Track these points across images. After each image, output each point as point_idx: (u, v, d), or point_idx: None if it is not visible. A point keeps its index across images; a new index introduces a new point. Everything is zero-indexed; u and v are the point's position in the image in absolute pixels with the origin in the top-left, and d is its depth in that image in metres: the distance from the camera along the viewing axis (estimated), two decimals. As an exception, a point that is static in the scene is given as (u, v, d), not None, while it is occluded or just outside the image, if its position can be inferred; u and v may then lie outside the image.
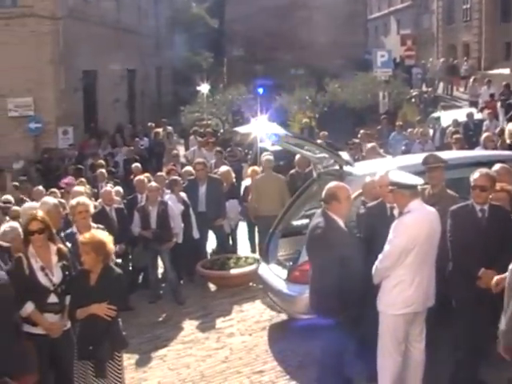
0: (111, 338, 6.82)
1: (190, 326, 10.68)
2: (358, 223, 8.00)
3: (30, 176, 21.40)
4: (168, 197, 12.30)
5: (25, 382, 6.64)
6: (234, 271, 12.22)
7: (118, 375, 6.94)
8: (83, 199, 9.20)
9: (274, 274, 9.84)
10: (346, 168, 9.66)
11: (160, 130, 25.92)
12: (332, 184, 7.54)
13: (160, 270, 12.47)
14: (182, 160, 19.64)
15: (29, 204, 9.48)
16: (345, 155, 10.47)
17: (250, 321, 10.51)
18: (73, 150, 24.53)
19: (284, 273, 9.53)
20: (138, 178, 12.96)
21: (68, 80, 26.34)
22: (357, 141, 17.73)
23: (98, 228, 8.49)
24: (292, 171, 13.87)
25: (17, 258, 7.05)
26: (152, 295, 11.91)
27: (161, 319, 11.18)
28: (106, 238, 6.96)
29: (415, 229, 6.65)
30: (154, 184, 12.06)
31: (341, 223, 7.30)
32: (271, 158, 13.14)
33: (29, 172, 22.28)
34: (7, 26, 25.26)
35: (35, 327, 6.99)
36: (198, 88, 34.04)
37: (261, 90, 29.31)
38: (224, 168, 14.08)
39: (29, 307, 6.89)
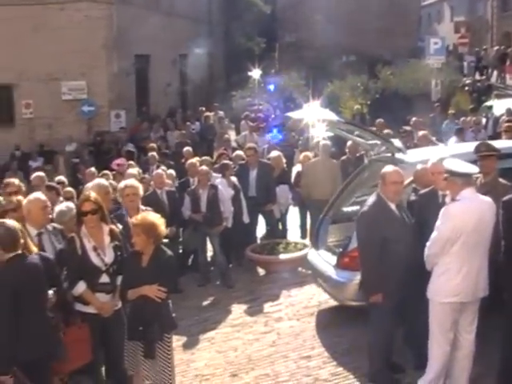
0: (161, 320, 6.87)
1: (238, 309, 10.75)
2: (410, 210, 7.95)
3: (82, 158, 21.72)
4: (219, 181, 12.35)
5: (59, 368, 6.80)
6: (283, 256, 12.25)
7: (167, 356, 7.00)
8: (131, 182, 9.25)
9: (324, 260, 9.82)
10: (398, 155, 9.59)
11: (211, 114, 26.03)
12: (388, 167, 7.61)
13: (209, 254, 12.58)
14: (233, 144, 19.70)
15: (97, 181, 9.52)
16: (397, 142, 10.38)
17: (298, 306, 10.51)
18: (124, 133, 24.83)
19: (333, 259, 9.50)
20: (189, 161, 13.03)
21: (121, 64, 26.55)
22: (408, 128, 17.58)
23: (146, 210, 8.55)
24: (343, 157, 13.84)
25: (70, 237, 7.17)
26: (201, 278, 12.00)
27: (209, 302, 11.28)
28: (158, 220, 6.98)
29: (461, 218, 6.53)
30: (204, 168, 12.12)
31: (391, 205, 7.36)
32: (328, 142, 13.14)
33: (81, 154, 22.61)
34: (62, 10, 25.57)
35: (87, 306, 7.09)
36: (250, 73, 34.06)
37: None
38: (275, 153, 14.09)
39: (81, 286, 7.00)
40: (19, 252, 6.28)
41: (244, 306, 10.82)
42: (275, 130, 23.61)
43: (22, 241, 6.33)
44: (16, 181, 9.89)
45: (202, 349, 9.29)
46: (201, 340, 9.56)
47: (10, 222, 6.43)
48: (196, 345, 9.32)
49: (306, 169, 13.40)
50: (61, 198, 10.12)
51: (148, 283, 6.84)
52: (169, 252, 7.11)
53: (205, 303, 11.21)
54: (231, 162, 13.42)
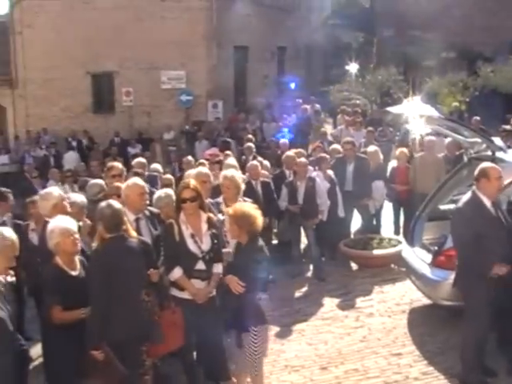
0: (248, 312, 6.90)
1: (329, 302, 10.70)
2: (510, 210, 7.76)
3: (179, 147, 22.06)
4: (315, 174, 12.33)
5: (152, 351, 6.90)
6: (376, 252, 12.15)
7: (254, 347, 6.95)
8: (231, 172, 9.30)
9: (418, 258, 9.70)
10: (499, 154, 9.37)
11: (308, 107, 25.97)
12: (485, 163, 7.47)
13: (303, 246, 12.57)
14: (329, 138, 19.60)
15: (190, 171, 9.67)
16: (498, 141, 10.13)
17: (390, 302, 10.42)
18: (221, 123, 25.07)
19: (428, 257, 9.37)
20: (287, 153, 13.05)
21: (220, 55, 26.85)
22: (509, 127, 17.12)
23: (244, 201, 8.60)
24: (441, 154, 13.61)
25: (168, 223, 7.27)
26: (294, 270, 12.00)
27: (301, 294, 11.27)
28: (252, 211, 6.96)
29: None
30: (303, 160, 12.11)
31: (486, 202, 7.23)
32: (434, 138, 12.97)
33: (179, 143, 22.97)
34: (164, 1, 26.04)
35: (182, 292, 7.20)
36: (347, 67, 33.84)
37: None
38: (372, 148, 13.96)
39: (177, 272, 7.09)
40: (120, 233, 6.44)
41: (336, 300, 10.77)
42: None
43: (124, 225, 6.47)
44: (119, 165, 10.12)
45: (293, 340, 9.29)
46: (292, 331, 9.55)
47: (116, 204, 6.60)
48: (287, 336, 9.32)
49: (412, 163, 13.32)
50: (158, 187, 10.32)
51: (238, 273, 6.86)
52: (261, 244, 7.06)
53: (297, 295, 11.21)
54: (328, 156, 13.37)
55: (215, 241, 7.31)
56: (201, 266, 7.20)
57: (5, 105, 29.24)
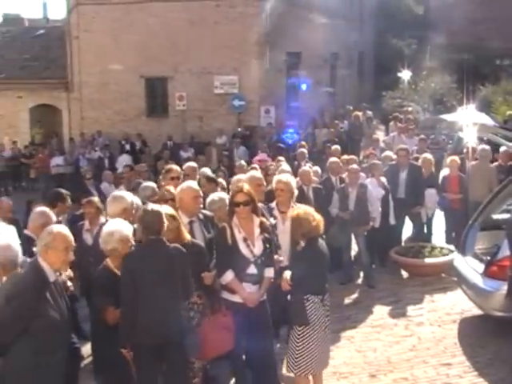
0: (293, 311, 7.02)
1: (379, 310, 10.68)
2: None
3: (230, 152, 22.19)
4: (368, 180, 12.32)
5: (201, 354, 6.98)
6: (427, 260, 12.07)
7: (296, 346, 7.07)
8: (286, 177, 9.33)
9: (470, 267, 9.62)
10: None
11: (360, 113, 25.91)
12: None
13: (353, 253, 12.55)
14: (381, 145, 19.53)
15: (237, 176, 9.75)
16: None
17: (441, 312, 10.35)
18: (273, 128, 25.14)
19: (481, 267, 9.29)
20: (331, 159, 13.08)
21: (272, 61, 26.88)
22: None
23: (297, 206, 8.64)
24: (495, 164, 13.47)
25: (221, 227, 7.32)
26: (344, 276, 11.97)
27: (351, 301, 11.25)
28: (308, 215, 7.06)
29: None
30: (355, 166, 12.10)
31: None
32: (488, 147, 12.87)
33: (230, 147, 23.10)
34: (218, 7, 26.26)
35: (233, 295, 7.24)
36: (399, 74, 33.64)
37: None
38: (425, 155, 13.87)
39: (229, 275, 7.13)
40: (159, 237, 6.44)
41: (385, 308, 10.74)
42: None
43: (165, 227, 6.49)
44: (178, 168, 10.25)
45: (342, 346, 9.27)
46: (341, 338, 9.53)
47: (156, 207, 6.62)
48: (336, 342, 9.26)
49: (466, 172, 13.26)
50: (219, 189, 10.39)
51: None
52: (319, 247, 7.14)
53: (346, 301, 11.19)
54: (380, 162, 13.33)
55: (267, 245, 7.33)
56: (252, 270, 7.23)
57: (60, 107, 29.75)
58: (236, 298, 7.25)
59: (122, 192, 8.39)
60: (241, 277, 7.19)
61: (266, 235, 7.37)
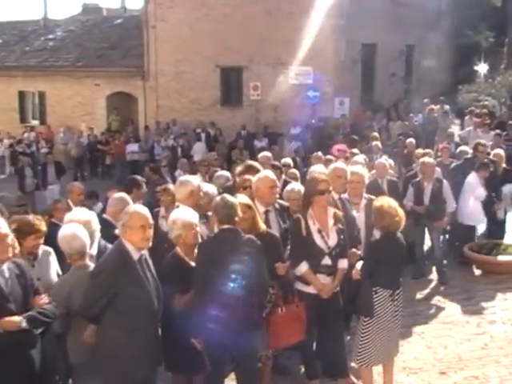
0: (361, 301, 7.05)
1: (451, 306, 10.54)
2: None
3: (304, 142, 22.18)
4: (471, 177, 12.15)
5: (272, 343, 7.03)
6: (501, 258, 11.82)
7: (360, 338, 7.08)
8: (357, 169, 9.30)
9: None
10: None
11: (435, 107, 25.57)
12: None
13: (426, 247, 12.44)
14: (456, 139, 19.23)
15: (315, 167, 9.75)
16: None
17: (514, 311, 10.17)
18: (347, 120, 25.04)
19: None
20: (417, 152, 12.98)
21: (347, 52, 26.74)
22: None
23: (370, 199, 8.62)
24: None
25: (295, 218, 7.35)
26: (416, 271, 11.85)
27: (422, 296, 11.13)
28: (391, 209, 7.04)
29: None
30: (431, 160, 11.97)
31: None
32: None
33: (304, 138, 23.10)
34: (292, -5, 26.22)
35: (307, 286, 7.28)
36: (476, 68, 33.04)
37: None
38: (497, 151, 13.62)
39: (304, 267, 7.17)
40: (232, 227, 6.47)
41: (457, 305, 10.59)
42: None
43: (238, 217, 6.53)
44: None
45: (412, 342, 9.18)
46: (411, 333, 9.43)
47: (230, 197, 6.65)
48: (406, 337, 9.18)
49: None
50: (283, 177, 10.43)
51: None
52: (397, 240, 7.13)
53: (418, 297, 11.07)
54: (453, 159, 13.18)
55: (341, 236, 7.36)
56: (327, 261, 7.26)
57: (137, 95, 30.19)
58: (310, 289, 7.30)
59: (188, 176, 8.48)
60: (315, 268, 7.22)
61: (340, 226, 7.39)
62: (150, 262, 6.09)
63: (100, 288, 5.68)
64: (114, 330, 5.68)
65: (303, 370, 8.04)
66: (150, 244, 5.95)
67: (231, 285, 6.29)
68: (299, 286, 7.33)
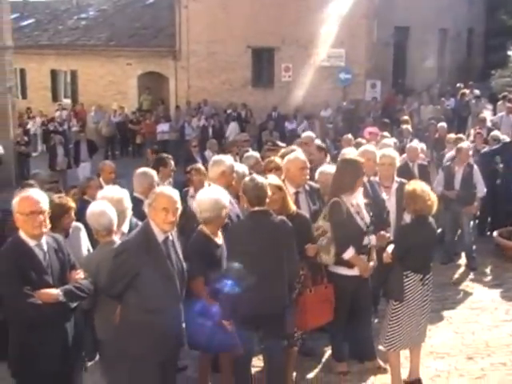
0: (390, 285, 7.06)
1: (479, 292, 10.53)
2: None
3: (335, 124, 22.11)
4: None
5: (300, 325, 7.05)
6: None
7: (388, 321, 7.08)
8: (389, 152, 9.25)
9: None
10: None
11: (467, 91, 25.34)
12: None
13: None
14: (488, 124, 19.04)
15: (346, 150, 9.72)
16: None
17: (543, 299, 10.11)
18: (378, 103, 24.91)
19: None
20: (449, 136, 12.89)
21: (380, 35, 26.53)
22: None
23: (402, 182, 8.61)
24: None
25: (334, 202, 7.22)
26: (445, 256, 11.81)
27: (451, 281, 11.11)
28: (424, 193, 7.00)
29: None
30: (465, 145, 11.88)
31: None
32: None
33: (335, 120, 23.02)
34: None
35: (347, 269, 7.27)
36: (509, 52, 32.65)
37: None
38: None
39: (351, 251, 7.17)
40: (263, 208, 6.46)
41: (486, 290, 10.59)
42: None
43: (267, 198, 6.53)
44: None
45: (440, 327, 9.17)
46: (439, 318, 9.42)
47: (259, 178, 6.64)
48: (434, 322, 9.12)
49: None
50: (328, 159, 10.41)
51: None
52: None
53: (446, 282, 11.02)
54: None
55: (371, 213, 7.41)
56: (366, 240, 7.31)
57: (168, 75, 30.23)
58: (351, 272, 7.29)
59: (221, 156, 8.46)
60: (358, 249, 7.24)
61: (367, 201, 7.45)
62: (178, 244, 6.05)
63: (121, 267, 5.68)
64: (135, 310, 5.68)
65: (329, 352, 8.07)
66: (174, 229, 5.93)
67: (264, 264, 6.32)
68: (336, 269, 7.30)
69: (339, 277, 7.27)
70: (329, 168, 8.41)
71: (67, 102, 32.80)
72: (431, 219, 7.10)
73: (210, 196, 6.60)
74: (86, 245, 6.98)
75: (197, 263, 6.40)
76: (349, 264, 7.23)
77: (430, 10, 28.85)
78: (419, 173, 11.32)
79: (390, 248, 7.16)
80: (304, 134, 11.50)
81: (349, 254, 7.15)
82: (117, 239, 6.25)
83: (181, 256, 5.99)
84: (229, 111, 26.95)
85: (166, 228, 5.74)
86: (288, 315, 6.67)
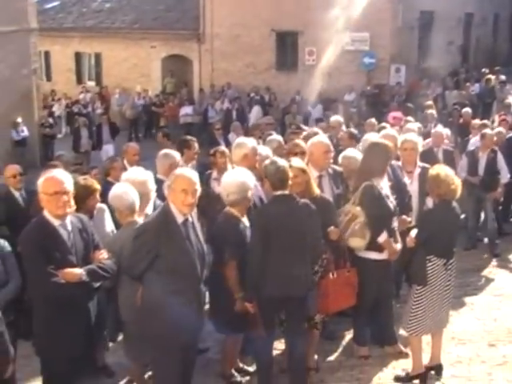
0: (413, 269, 7.06)
1: (502, 279, 10.48)
2: None
3: (359, 109, 22.02)
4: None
5: (323, 308, 7.05)
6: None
7: (411, 306, 7.06)
8: (411, 136, 9.19)
9: None
10: None
11: (493, 77, 25.11)
12: None
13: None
14: (512, 111, 18.88)
15: (368, 135, 9.70)
16: None
17: None
18: (402, 88, 24.78)
19: None
20: (474, 122, 12.81)
21: (405, 19, 26.36)
22: None
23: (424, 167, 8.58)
24: None
25: (367, 186, 7.15)
26: (468, 242, 11.78)
27: (473, 267, 11.03)
28: (448, 177, 6.95)
29: None
30: (490, 131, 11.82)
31: None
32: None
33: (359, 105, 22.93)
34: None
35: (380, 253, 7.28)
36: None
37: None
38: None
39: (384, 234, 7.18)
40: (286, 192, 6.46)
41: (509, 277, 10.55)
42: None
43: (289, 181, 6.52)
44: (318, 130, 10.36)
45: (462, 313, 9.14)
46: (461, 304, 9.38)
47: (281, 161, 6.63)
48: (456, 308, 9.07)
49: None
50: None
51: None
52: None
53: (468, 267, 10.95)
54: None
55: (394, 195, 7.42)
56: (395, 223, 7.36)
57: (192, 58, 30.26)
58: (382, 256, 7.30)
59: (244, 138, 8.49)
60: (389, 232, 7.26)
61: (390, 184, 7.49)
62: (198, 225, 6.07)
63: (141, 248, 5.72)
64: (156, 291, 5.72)
65: (350, 336, 8.08)
66: (194, 210, 5.95)
67: (288, 248, 6.33)
68: (367, 254, 7.27)
69: (369, 262, 7.26)
70: (352, 152, 8.34)
71: (91, 84, 32.90)
72: (455, 204, 7.07)
73: (237, 178, 6.63)
74: (110, 226, 7.06)
75: (229, 247, 6.45)
76: (380, 248, 7.22)
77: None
78: (444, 158, 11.24)
79: (414, 232, 7.14)
80: (332, 118, 11.47)
81: (383, 237, 7.16)
82: (140, 220, 6.30)
83: (201, 238, 6.02)
84: (252, 95, 26.89)
85: (185, 210, 5.76)
86: (310, 298, 6.68)
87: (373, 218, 7.06)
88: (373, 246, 7.16)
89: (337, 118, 11.53)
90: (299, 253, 6.42)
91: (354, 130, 11.36)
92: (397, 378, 7.28)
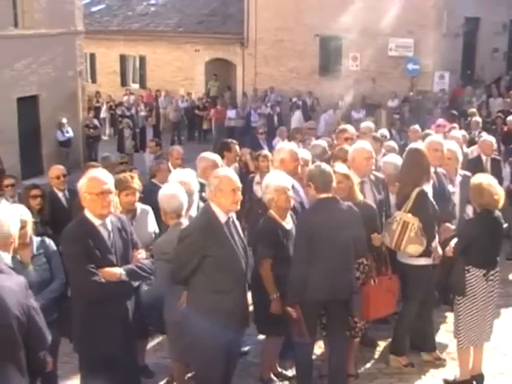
0: (453, 280, 7.03)
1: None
2: None
3: (401, 115, 21.90)
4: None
5: (363, 315, 7.00)
6: None
7: (456, 317, 7.07)
8: (453, 145, 9.07)
9: None
10: None
11: (538, 85, 24.88)
12: None
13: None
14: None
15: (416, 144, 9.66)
16: None
17: None
18: (446, 94, 24.60)
19: None
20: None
21: (449, 25, 26.12)
22: None
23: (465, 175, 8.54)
24: None
25: (421, 191, 7.16)
26: (510, 252, 11.64)
27: (512, 277, 10.90)
28: (491, 187, 6.91)
29: None
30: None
31: None
32: None
33: (402, 111, 22.81)
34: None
35: (428, 258, 7.25)
36: None
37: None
38: None
39: (436, 239, 7.25)
40: (330, 195, 6.49)
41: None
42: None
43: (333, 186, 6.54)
44: (352, 128, 10.40)
45: (503, 324, 8.96)
46: (502, 315, 9.24)
47: (325, 165, 6.67)
48: (497, 318, 8.88)
49: None
50: (383, 150, 10.36)
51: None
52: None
53: (511, 278, 10.88)
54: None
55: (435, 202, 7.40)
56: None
57: (235, 62, 30.40)
58: (429, 261, 7.30)
59: (284, 143, 8.59)
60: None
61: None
62: (238, 224, 6.13)
63: (186, 252, 5.77)
64: (202, 292, 5.78)
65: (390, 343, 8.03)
66: (239, 207, 6.01)
67: (332, 251, 6.34)
68: (417, 261, 7.22)
69: (420, 267, 7.23)
70: (393, 158, 8.35)
71: (135, 86, 33.22)
72: (498, 213, 6.99)
73: (272, 179, 6.74)
74: (152, 227, 7.12)
75: (264, 245, 6.54)
76: (429, 253, 7.19)
77: (500, 1, 28.31)
78: (492, 167, 11.17)
79: (454, 242, 7.10)
80: (363, 124, 11.45)
81: (435, 242, 7.19)
82: (185, 222, 6.36)
83: (242, 236, 6.10)
84: (294, 99, 26.91)
85: (234, 208, 5.88)
86: (355, 301, 6.69)
87: (428, 224, 7.05)
88: (424, 251, 7.15)
89: (367, 124, 11.47)
90: (344, 255, 6.45)
91: (377, 134, 11.30)
92: (446, 382, 7.31)
